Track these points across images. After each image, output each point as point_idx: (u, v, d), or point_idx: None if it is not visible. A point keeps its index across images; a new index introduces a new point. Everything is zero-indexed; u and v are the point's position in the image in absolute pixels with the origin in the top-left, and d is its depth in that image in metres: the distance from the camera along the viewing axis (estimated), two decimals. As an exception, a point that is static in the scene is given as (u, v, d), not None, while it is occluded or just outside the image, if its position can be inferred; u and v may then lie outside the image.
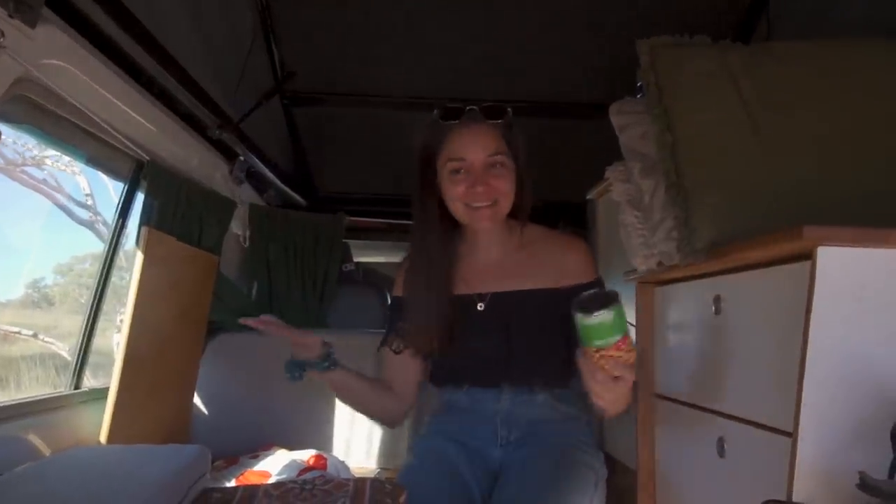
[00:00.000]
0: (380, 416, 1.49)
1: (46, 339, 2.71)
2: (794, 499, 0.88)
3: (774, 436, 0.97)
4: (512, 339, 1.36)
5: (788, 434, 0.91)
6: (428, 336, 1.38)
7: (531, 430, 1.36)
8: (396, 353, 1.44)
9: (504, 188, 1.31)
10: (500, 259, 1.42)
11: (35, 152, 2.58)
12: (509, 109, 1.33)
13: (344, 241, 2.78)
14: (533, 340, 1.37)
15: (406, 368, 1.45)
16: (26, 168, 2.60)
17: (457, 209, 1.34)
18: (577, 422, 1.39)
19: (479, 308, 1.39)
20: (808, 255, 0.89)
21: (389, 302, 1.51)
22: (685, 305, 1.35)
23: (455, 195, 1.32)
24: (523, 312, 1.37)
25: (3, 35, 1.11)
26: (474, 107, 1.32)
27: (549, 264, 1.39)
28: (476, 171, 1.30)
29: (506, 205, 1.34)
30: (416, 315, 1.38)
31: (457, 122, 1.32)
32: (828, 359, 0.89)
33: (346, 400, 1.46)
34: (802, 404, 0.88)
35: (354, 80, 2.66)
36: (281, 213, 2.73)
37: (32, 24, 1.17)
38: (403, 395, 1.46)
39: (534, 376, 1.38)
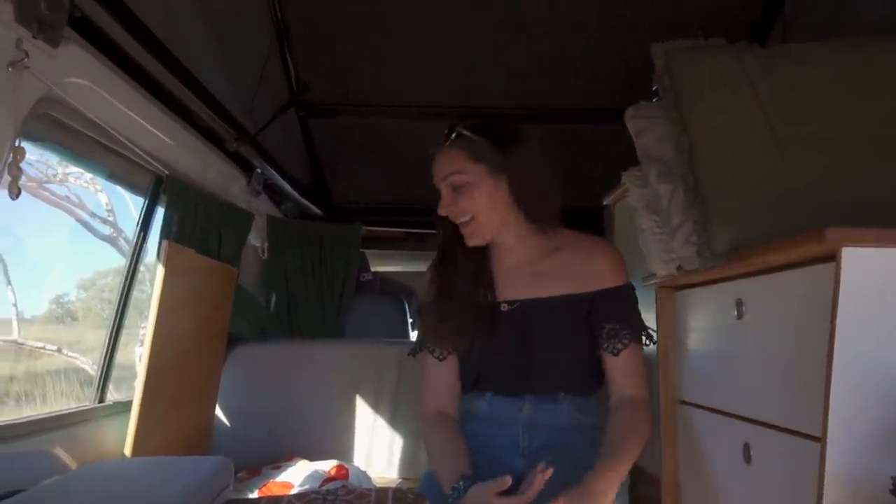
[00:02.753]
0: None
1: (70, 353, 2.75)
2: (824, 505, 0.87)
3: (802, 441, 0.95)
4: (535, 346, 1.36)
5: (817, 439, 0.89)
6: (451, 342, 1.39)
7: (553, 438, 1.35)
8: (441, 360, 1.44)
9: (469, 205, 1.34)
10: (526, 265, 1.42)
11: (58, 170, 2.63)
12: (460, 130, 1.36)
13: (361, 250, 2.80)
14: (556, 347, 1.37)
15: (453, 369, 1.45)
16: (49, 185, 2.65)
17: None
18: (599, 431, 1.38)
19: (503, 314, 1.39)
20: (832, 257, 0.88)
21: (417, 308, 1.54)
22: (706, 310, 1.34)
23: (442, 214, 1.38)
24: (547, 319, 1.37)
25: (27, 55, 1.13)
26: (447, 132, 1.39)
27: (577, 269, 1.38)
28: (442, 194, 1.37)
29: (484, 219, 1.35)
30: (440, 322, 1.40)
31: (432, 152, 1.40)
32: (855, 362, 0.87)
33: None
34: (830, 408, 0.87)
35: (369, 91, 2.68)
36: (298, 224, 2.75)
37: (55, 44, 1.19)
38: (456, 394, 1.46)
39: (557, 384, 1.37)
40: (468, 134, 1.35)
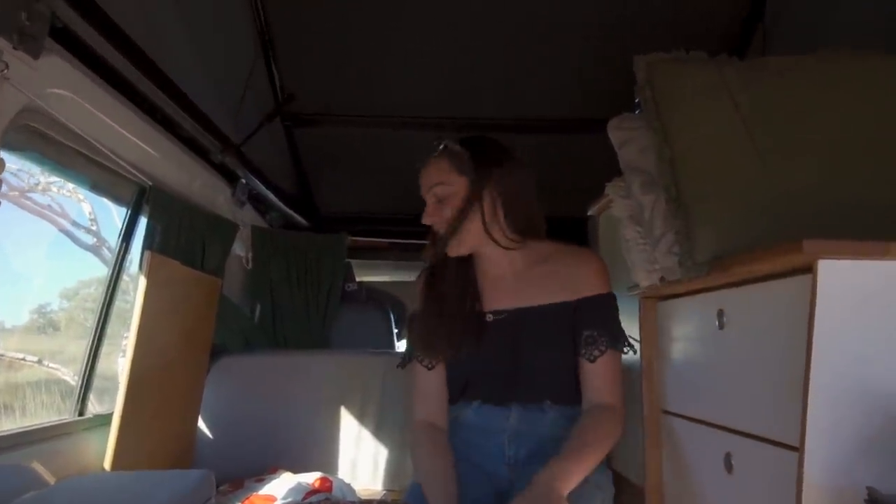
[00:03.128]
0: None
1: (51, 364, 2.71)
2: (804, 515, 0.87)
3: (781, 451, 0.96)
4: (521, 354, 1.38)
5: (795, 449, 0.90)
6: (440, 352, 1.41)
7: (540, 447, 1.36)
8: (430, 369, 1.45)
9: (447, 216, 1.38)
10: (511, 276, 1.44)
11: (41, 179, 2.60)
12: (447, 143, 1.41)
13: (346, 260, 2.79)
14: (543, 357, 1.38)
15: (441, 378, 1.46)
16: (31, 194, 2.62)
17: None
18: None
19: (489, 325, 1.41)
20: (809, 269, 0.89)
21: (408, 318, 1.53)
22: (689, 320, 1.35)
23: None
24: (533, 328, 1.39)
25: (7, 67, 1.12)
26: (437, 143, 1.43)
27: (562, 279, 1.41)
28: (427, 203, 1.41)
29: (464, 230, 1.38)
30: (430, 333, 1.41)
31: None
32: (832, 372, 0.88)
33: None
34: (808, 418, 0.88)
35: (354, 101, 2.68)
36: (283, 234, 2.74)
37: (36, 55, 1.19)
38: (445, 403, 1.46)
39: (543, 393, 1.39)
40: (455, 147, 1.39)
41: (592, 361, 1.37)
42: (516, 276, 1.44)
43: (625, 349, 1.40)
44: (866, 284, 0.89)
